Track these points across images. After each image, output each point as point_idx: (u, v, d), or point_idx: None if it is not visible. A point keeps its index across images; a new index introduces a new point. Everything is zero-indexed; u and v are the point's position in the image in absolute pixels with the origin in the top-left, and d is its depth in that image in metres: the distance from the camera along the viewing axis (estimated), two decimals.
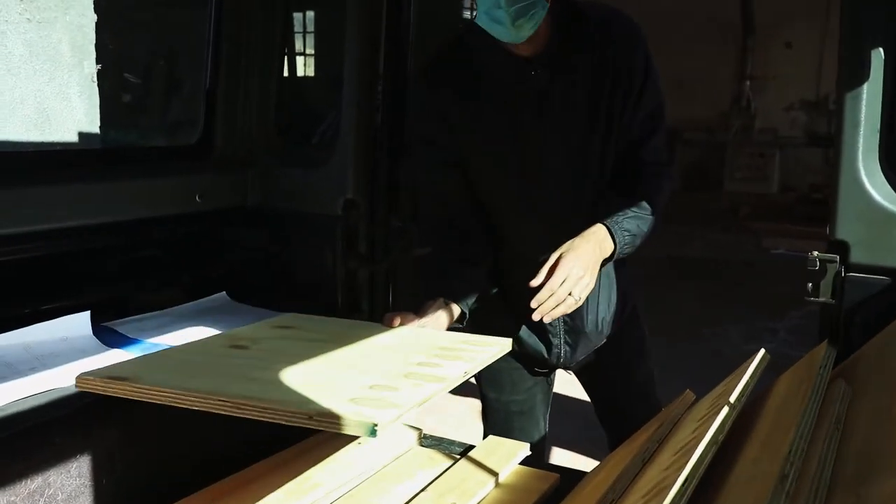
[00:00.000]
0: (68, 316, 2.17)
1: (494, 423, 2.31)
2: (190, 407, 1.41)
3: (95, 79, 3.94)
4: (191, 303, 2.50)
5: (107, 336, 2.20)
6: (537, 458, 2.06)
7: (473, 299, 2.01)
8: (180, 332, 2.25)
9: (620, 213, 1.91)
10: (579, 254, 1.82)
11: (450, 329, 1.96)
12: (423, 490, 1.74)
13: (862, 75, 1.82)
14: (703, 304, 7.15)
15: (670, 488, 1.15)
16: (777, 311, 6.79)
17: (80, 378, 1.50)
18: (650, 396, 2.30)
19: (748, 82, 14.90)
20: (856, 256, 1.85)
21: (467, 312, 1.99)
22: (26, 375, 1.90)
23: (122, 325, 2.28)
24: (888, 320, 1.75)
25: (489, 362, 1.77)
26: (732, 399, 1.46)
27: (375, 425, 1.27)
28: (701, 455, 1.24)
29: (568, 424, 3.54)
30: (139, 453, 1.73)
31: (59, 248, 2.28)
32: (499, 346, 1.81)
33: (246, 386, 1.45)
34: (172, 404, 1.42)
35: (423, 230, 2.25)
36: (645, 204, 1.94)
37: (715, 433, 1.31)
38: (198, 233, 2.66)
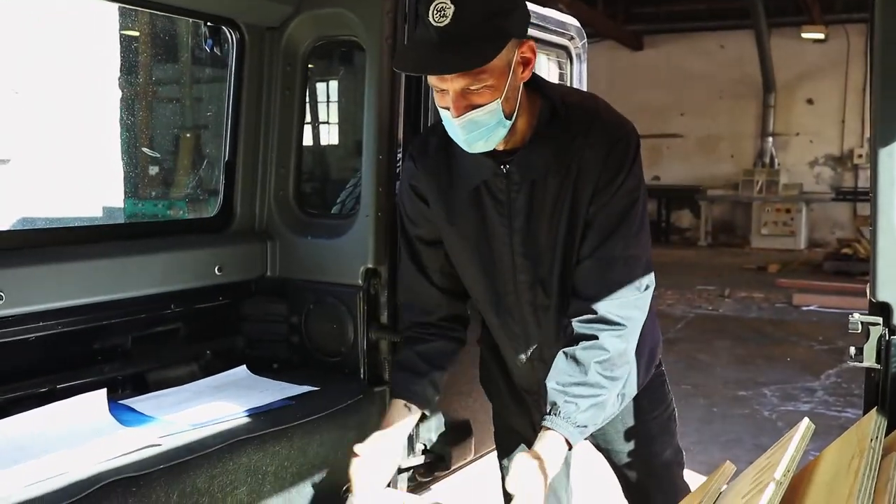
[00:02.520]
0: (84, 394, 2.13)
1: None
2: None
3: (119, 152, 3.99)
4: (210, 377, 2.45)
5: (123, 414, 2.15)
6: None
7: (435, 399, 2.02)
8: (198, 408, 2.20)
9: (572, 403, 1.74)
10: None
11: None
12: None
13: None
14: (737, 363, 7.00)
15: None
16: (812, 369, 6.64)
17: None
18: (675, 476, 2.20)
19: (771, 139, 14.89)
20: None
21: (428, 412, 2.04)
22: (38, 457, 1.85)
23: (139, 403, 2.23)
24: None
25: None
26: (778, 475, 1.37)
27: None
28: None
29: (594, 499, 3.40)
30: None
31: (76, 324, 2.25)
32: None
33: None
34: None
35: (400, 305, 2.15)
36: (595, 375, 1.76)
37: None
38: (217, 306, 2.61)
